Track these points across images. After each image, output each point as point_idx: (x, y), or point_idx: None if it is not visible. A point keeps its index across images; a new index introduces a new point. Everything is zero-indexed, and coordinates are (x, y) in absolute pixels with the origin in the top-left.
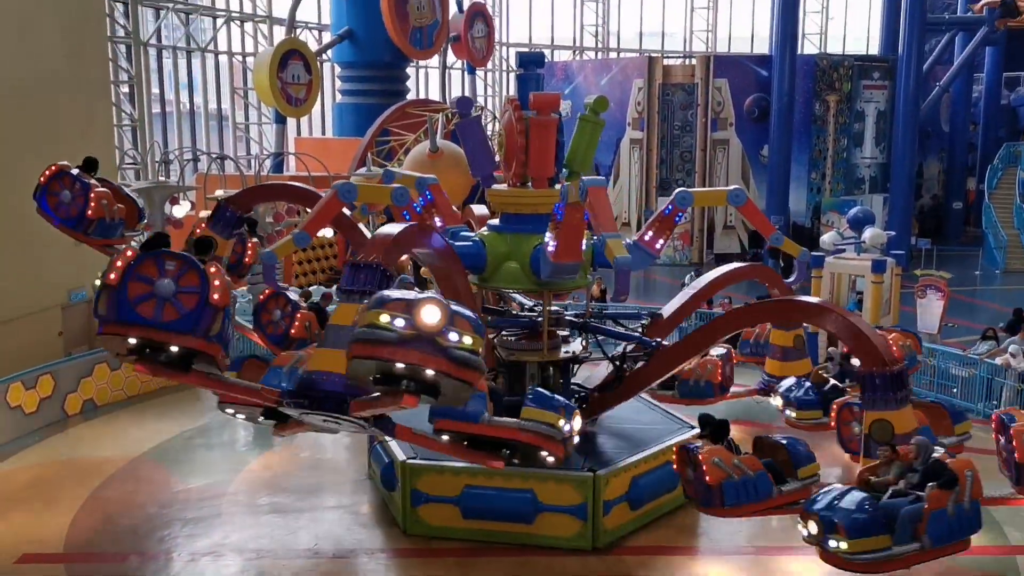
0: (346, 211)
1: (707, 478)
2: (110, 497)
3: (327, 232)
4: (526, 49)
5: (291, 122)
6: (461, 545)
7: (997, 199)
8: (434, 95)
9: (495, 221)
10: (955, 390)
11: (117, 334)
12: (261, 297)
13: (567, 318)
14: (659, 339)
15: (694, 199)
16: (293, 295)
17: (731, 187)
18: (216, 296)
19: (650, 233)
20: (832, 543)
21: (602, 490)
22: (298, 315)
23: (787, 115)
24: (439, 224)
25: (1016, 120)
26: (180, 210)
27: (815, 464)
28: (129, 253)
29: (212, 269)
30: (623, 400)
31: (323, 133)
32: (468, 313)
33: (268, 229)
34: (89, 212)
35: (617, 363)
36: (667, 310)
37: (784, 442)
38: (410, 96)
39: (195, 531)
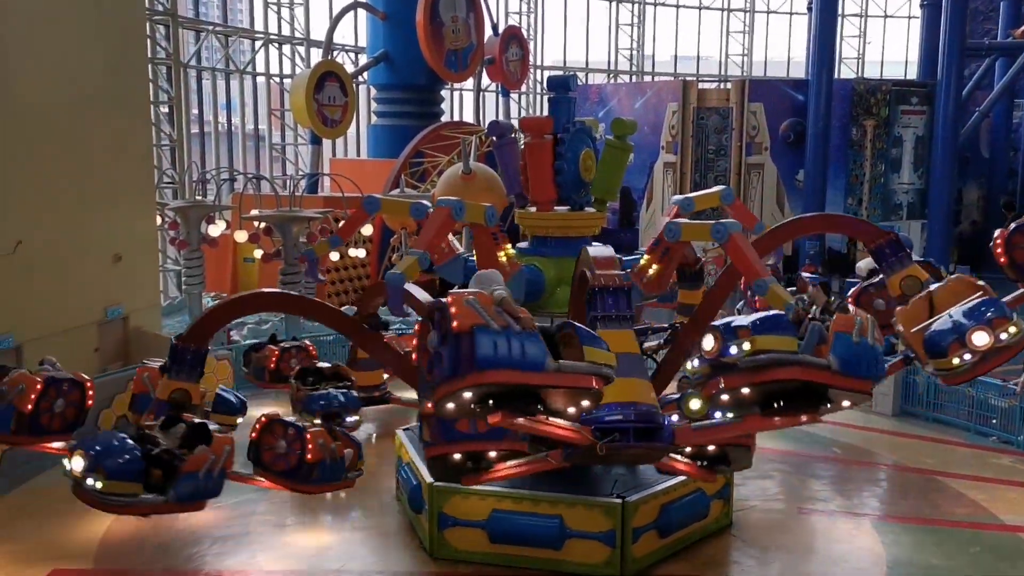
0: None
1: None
2: None
3: (360, 252)
4: (561, 72)
5: (327, 143)
6: (488, 569)
7: None
8: (468, 117)
9: (524, 244)
10: (994, 420)
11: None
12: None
13: None
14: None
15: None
16: None
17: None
18: None
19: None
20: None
21: (631, 517)
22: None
23: (823, 140)
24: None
25: None
26: (215, 229)
27: None
28: None
29: None
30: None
31: (358, 154)
32: None
33: (302, 250)
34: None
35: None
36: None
37: None
38: (444, 118)
39: (223, 549)
